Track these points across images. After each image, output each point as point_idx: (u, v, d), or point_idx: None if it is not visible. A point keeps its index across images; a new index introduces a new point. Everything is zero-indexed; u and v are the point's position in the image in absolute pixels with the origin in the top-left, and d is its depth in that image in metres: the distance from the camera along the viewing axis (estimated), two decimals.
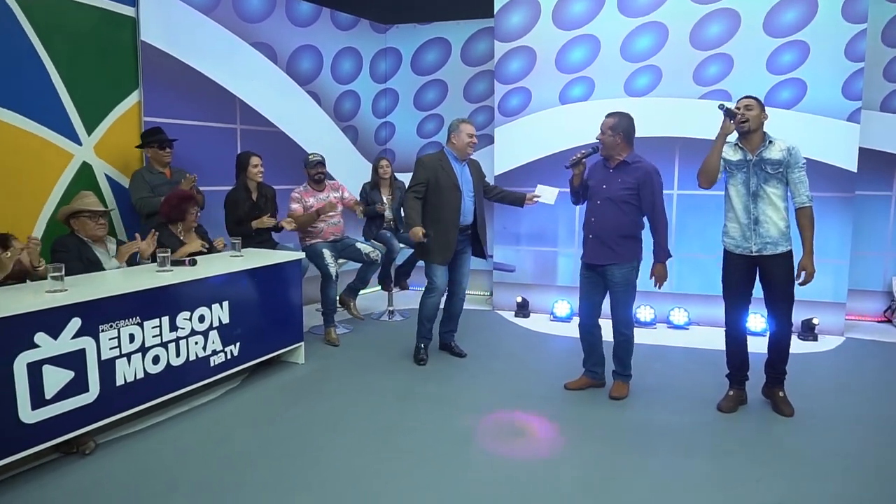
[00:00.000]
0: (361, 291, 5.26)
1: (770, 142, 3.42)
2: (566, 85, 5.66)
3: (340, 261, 4.96)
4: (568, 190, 3.88)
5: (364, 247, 5.04)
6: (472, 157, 4.33)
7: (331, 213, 4.90)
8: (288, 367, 4.27)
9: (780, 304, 3.48)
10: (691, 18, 5.31)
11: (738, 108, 3.41)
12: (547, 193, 4.31)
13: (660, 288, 3.68)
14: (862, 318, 5.67)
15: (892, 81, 5.43)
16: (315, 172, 4.94)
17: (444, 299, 4.43)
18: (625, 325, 3.72)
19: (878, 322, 5.62)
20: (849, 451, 3.08)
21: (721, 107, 3.40)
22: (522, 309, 5.74)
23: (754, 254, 3.46)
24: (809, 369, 4.31)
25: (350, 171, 6.34)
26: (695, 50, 5.32)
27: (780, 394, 3.59)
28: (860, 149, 5.03)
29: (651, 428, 3.36)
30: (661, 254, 3.61)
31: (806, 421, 3.43)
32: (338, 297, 5.02)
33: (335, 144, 6.34)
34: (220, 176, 4.99)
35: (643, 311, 5.44)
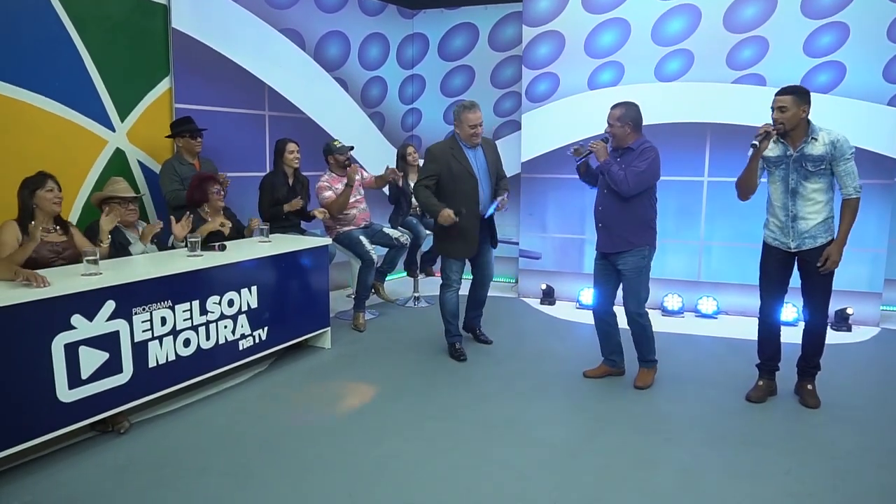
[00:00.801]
0: (388, 277, 5.30)
1: (814, 137, 3.28)
2: (595, 70, 5.60)
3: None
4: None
5: (392, 231, 5.11)
6: (487, 138, 4.16)
7: (358, 199, 4.94)
8: (315, 351, 4.34)
9: (817, 294, 3.41)
10: (725, 0, 5.19)
11: (774, 119, 3.29)
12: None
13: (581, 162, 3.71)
14: None
15: None
16: (345, 158, 4.98)
17: (467, 287, 4.42)
18: (637, 313, 3.70)
19: None
20: (882, 446, 3.03)
21: (753, 146, 3.28)
22: (548, 296, 5.74)
23: (793, 250, 3.40)
24: (843, 360, 4.24)
25: (376, 158, 6.37)
26: (728, 33, 5.21)
27: (809, 386, 3.54)
28: None
29: (677, 417, 3.34)
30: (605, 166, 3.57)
31: (837, 413, 3.38)
32: None
33: (362, 131, 6.37)
34: (248, 162, 5.06)
35: (671, 300, 5.39)
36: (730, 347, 4.53)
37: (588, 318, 5.21)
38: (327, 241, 4.44)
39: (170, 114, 4.72)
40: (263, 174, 4.97)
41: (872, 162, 4.91)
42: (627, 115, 3.57)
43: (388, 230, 5.10)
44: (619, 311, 3.80)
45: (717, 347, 4.55)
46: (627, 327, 3.76)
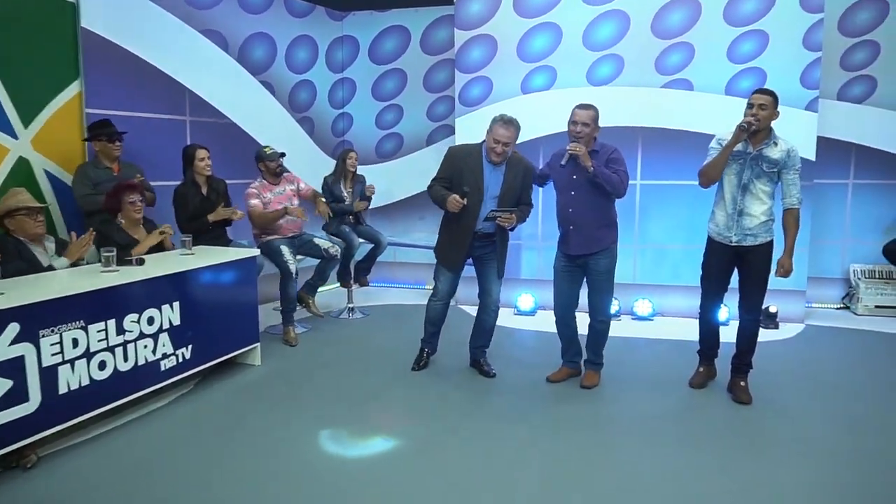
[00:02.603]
0: (320, 288, 5.21)
1: (775, 142, 3.47)
2: (528, 74, 5.67)
3: (298, 257, 4.89)
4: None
5: (322, 242, 5.00)
6: (522, 159, 3.87)
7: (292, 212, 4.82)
8: (244, 368, 4.19)
9: (754, 292, 3.57)
10: (652, 7, 5.35)
11: (752, 114, 3.41)
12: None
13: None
14: (821, 305, 5.85)
15: (848, 70, 5.59)
16: (276, 165, 4.84)
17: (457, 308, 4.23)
18: (605, 314, 3.82)
19: (837, 309, 5.81)
20: (808, 438, 3.17)
21: (742, 128, 3.38)
22: None
23: (733, 244, 3.55)
24: (772, 357, 4.41)
25: (308, 164, 6.24)
26: (656, 38, 5.38)
27: (742, 383, 3.68)
28: (818, 137, 5.17)
29: (621, 418, 3.41)
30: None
31: (767, 409, 3.53)
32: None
33: (291, 136, 6.23)
34: (167, 171, 4.84)
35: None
36: (667, 348, 4.65)
37: (526, 324, 5.29)
38: (255, 251, 4.30)
39: (80, 119, 4.46)
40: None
41: None
42: (597, 117, 3.64)
43: (318, 240, 5.00)
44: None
45: (655, 349, 4.67)
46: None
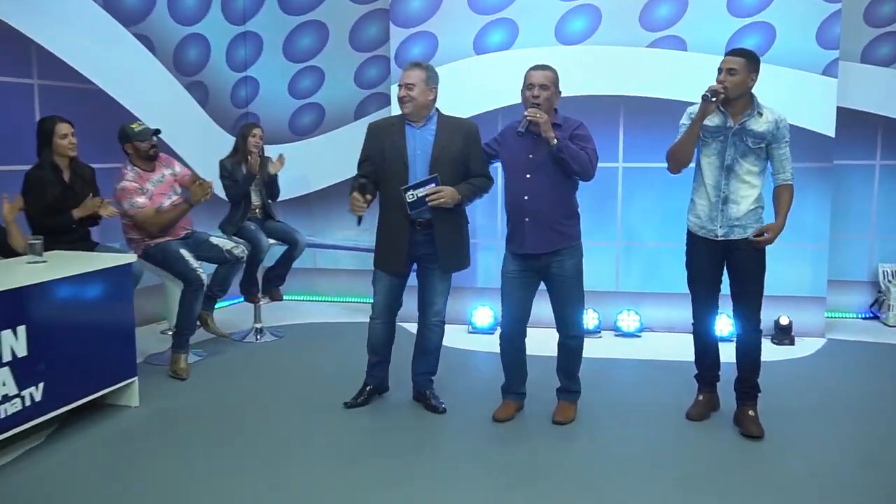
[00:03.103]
0: (217, 305, 5.15)
1: (759, 112, 3.58)
2: (482, 29, 5.69)
3: None
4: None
5: (222, 241, 4.94)
6: (462, 120, 3.97)
7: (175, 200, 4.72)
8: (116, 412, 4.07)
9: (749, 295, 3.67)
10: None
11: (719, 81, 3.51)
12: None
13: None
14: (845, 314, 6.03)
15: (874, 26, 5.78)
16: (149, 146, 4.73)
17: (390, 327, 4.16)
18: (578, 328, 3.84)
19: (864, 319, 6.01)
20: (826, 474, 3.28)
21: (705, 98, 3.47)
22: None
23: (719, 238, 3.65)
24: (785, 379, 4.54)
25: (200, 144, 6.12)
26: None
27: (751, 412, 3.76)
28: (838, 108, 5.34)
29: (604, 459, 3.44)
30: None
31: (782, 441, 3.62)
32: None
33: (177, 107, 6.11)
34: (10, 151, 4.68)
35: (584, 317, 5.54)
36: (660, 371, 4.73)
37: (485, 344, 5.29)
38: (131, 257, 4.21)
39: None
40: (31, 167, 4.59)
41: (808, 141, 5.30)
42: (558, 79, 3.67)
43: (216, 240, 4.92)
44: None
45: (645, 372, 4.74)
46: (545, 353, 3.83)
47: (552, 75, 3.65)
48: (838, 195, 5.72)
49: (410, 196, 3.71)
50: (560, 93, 3.71)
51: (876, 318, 5.99)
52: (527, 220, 3.70)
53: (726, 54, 3.63)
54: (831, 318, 5.84)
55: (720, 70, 3.57)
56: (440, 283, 3.97)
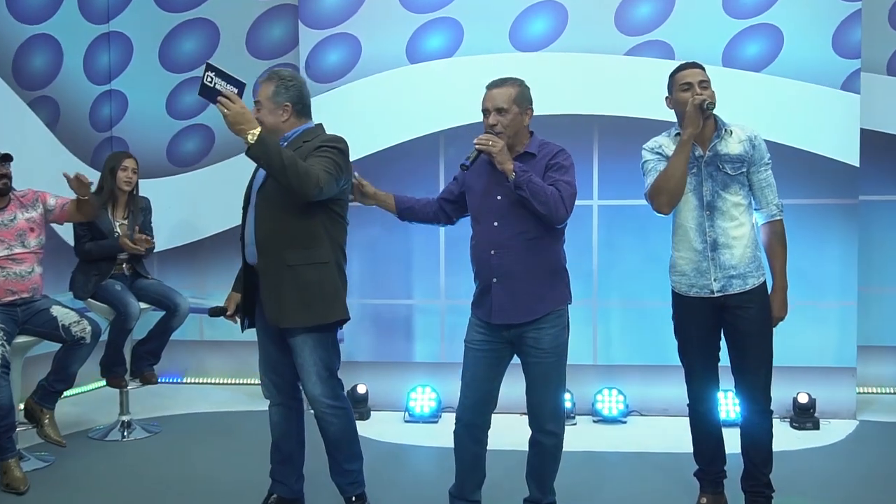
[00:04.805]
0: (66, 393, 5.02)
1: (727, 130, 3.68)
2: (418, 31, 5.74)
3: (22, 340, 4.69)
4: None
5: (64, 314, 4.78)
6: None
7: (20, 253, 4.70)
8: None
9: (753, 369, 3.72)
10: None
11: (697, 94, 3.59)
12: None
13: None
14: (880, 389, 6.08)
15: None
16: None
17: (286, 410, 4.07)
18: (556, 422, 3.73)
19: None
20: None
21: (703, 106, 3.55)
22: (358, 406, 5.68)
23: (716, 294, 3.69)
24: (809, 472, 4.56)
25: (47, 177, 6.00)
26: None
27: None
28: (861, 131, 5.44)
29: None
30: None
31: None
32: (22, 406, 4.74)
33: (17, 129, 6.02)
34: None
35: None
36: (651, 466, 4.71)
37: (425, 437, 5.24)
38: None
39: None
40: None
41: (826, 173, 5.42)
42: (524, 95, 3.65)
43: (57, 309, 4.80)
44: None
45: (632, 467, 4.73)
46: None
47: (514, 92, 3.62)
48: (866, 238, 5.77)
49: (208, 79, 3.52)
50: (531, 110, 3.68)
51: None
52: (495, 280, 3.63)
53: (680, 69, 3.73)
54: (864, 394, 5.87)
55: (686, 85, 3.64)
56: (301, 351, 3.79)
